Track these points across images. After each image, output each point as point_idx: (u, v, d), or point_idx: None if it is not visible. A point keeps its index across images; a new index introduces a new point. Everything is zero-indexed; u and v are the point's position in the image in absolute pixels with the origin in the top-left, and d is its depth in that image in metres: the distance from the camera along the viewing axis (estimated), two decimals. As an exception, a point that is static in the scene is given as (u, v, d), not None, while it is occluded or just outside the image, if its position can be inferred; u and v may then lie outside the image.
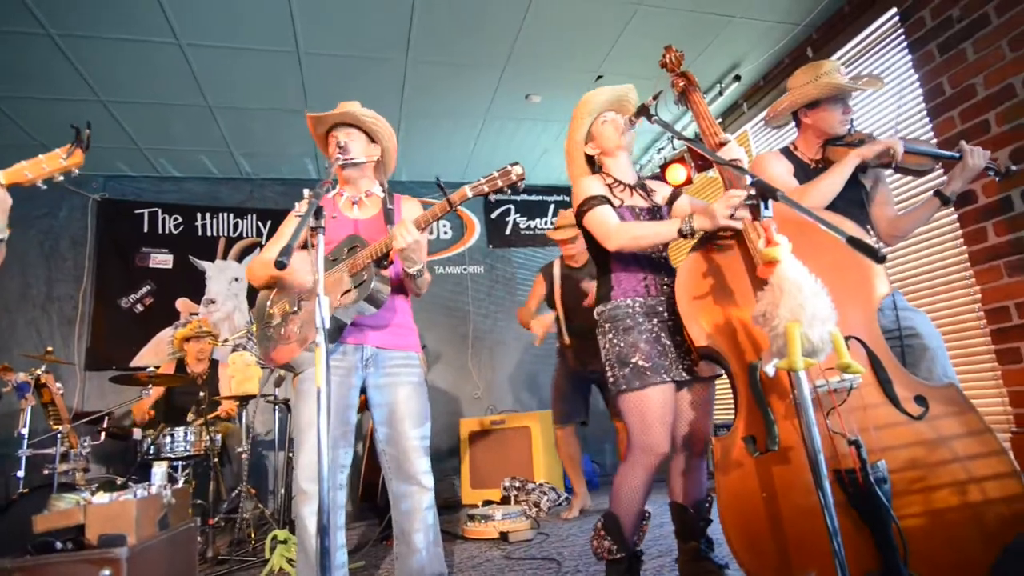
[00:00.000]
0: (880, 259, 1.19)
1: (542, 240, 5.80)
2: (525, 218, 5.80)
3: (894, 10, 3.08)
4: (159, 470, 2.43)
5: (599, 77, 4.03)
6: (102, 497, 1.47)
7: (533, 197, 5.85)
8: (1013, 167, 1.99)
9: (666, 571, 2.21)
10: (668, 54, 2.07)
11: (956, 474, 1.35)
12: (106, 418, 3.56)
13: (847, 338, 1.43)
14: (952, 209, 2.78)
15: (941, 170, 2.08)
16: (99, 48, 3.32)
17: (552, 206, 5.87)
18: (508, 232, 5.75)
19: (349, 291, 1.73)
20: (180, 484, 3.11)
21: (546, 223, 5.83)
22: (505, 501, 3.89)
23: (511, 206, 5.78)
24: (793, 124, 2.20)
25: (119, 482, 3.25)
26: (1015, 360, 2.52)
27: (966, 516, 1.32)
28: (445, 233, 5.63)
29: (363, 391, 1.89)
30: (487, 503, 3.94)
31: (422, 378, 1.94)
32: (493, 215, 5.73)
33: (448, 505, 4.48)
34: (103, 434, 3.48)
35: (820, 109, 2.04)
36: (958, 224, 2.77)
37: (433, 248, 5.48)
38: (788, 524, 1.41)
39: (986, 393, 2.74)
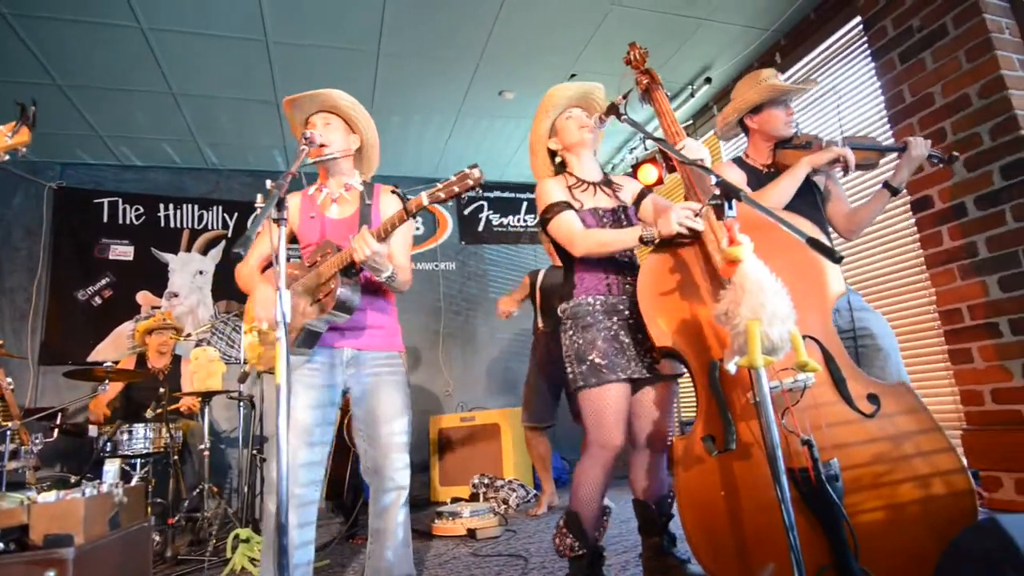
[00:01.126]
0: (838, 260, 1.22)
1: (515, 237, 5.80)
2: (498, 215, 5.79)
3: (858, 19, 3.16)
4: (111, 468, 2.35)
5: (573, 75, 4.05)
6: (48, 496, 1.42)
7: (506, 194, 5.84)
8: (956, 153, 2.08)
9: (631, 567, 2.23)
10: (632, 51, 2.08)
11: (906, 471, 1.39)
12: (60, 414, 3.43)
13: (804, 338, 1.46)
14: (910, 213, 2.87)
15: (896, 160, 2.15)
16: (55, 29, 3.19)
17: (525, 203, 5.87)
18: (481, 229, 5.73)
19: (319, 301, 1.74)
20: (135, 482, 3.02)
21: (519, 220, 5.84)
22: (474, 498, 3.88)
23: (484, 203, 5.76)
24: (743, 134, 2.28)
25: (72, 480, 3.14)
26: (966, 360, 2.62)
27: (915, 512, 1.36)
28: (417, 229, 5.58)
29: (345, 391, 1.90)
30: (456, 500, 3.93)
31: (403, 376, 1.94)
32: (466, 212, 5.70)
33: (417, 503, 4.44)
34: (56, 431, 3.35)
35: (764, 113, 2.14)
36: (915, 228, 2.86)
37: (405, 244, 5.43)
38: (746, 521, 1.44)
39: (939, 392, 2.84)
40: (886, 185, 2.06)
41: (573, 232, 1.82)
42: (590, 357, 1.78)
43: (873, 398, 1.45)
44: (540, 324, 3.80)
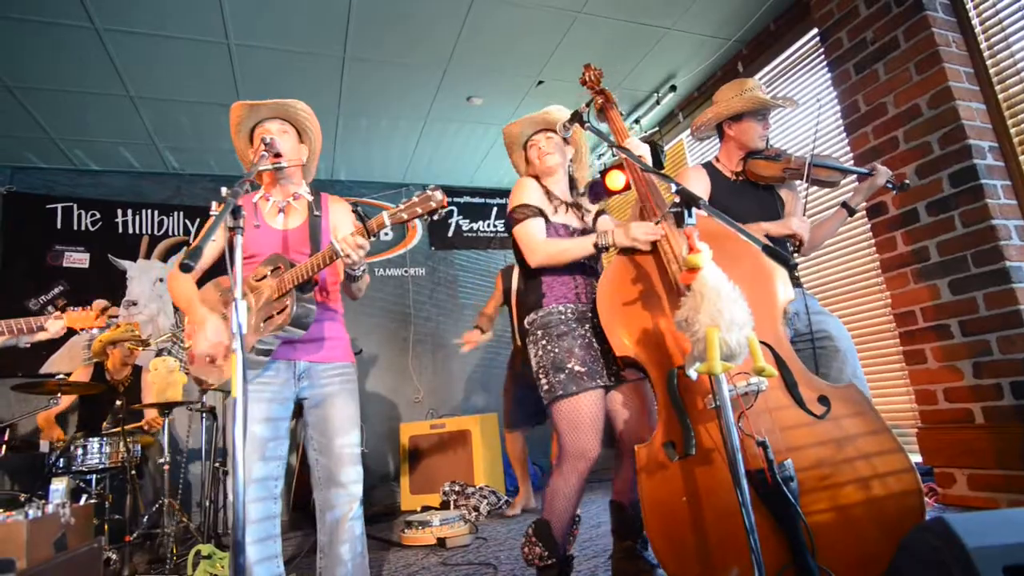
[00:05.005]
0: (792, 267, 1.25)
1: (485, 243, 5.80)
2: (468, 220, 5.77)
3: (815, 30, 3.26)
4: (59, 486, 2.24)
5: (540, 82, 4.07)
6: (-13, 519, 1.35)
7: (476, 200, 5.83)
8: (908, 182, 2.19)
9: (600, 571, 2.23)
10: (587, 72, 2.14)
11: (857, 471, 1.43)
12: (8, 430, 3.28)
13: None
14: (866, 219, 2.97)
15: (856, 182, 2.23)
16: (3, 28, 3.06)
17: (495, 209, 5.87)
18: (450, 234, 5.71)
19: (272, 317, 1.69)
20: (84, 500, 2.90)
21: (488, 225, 5.83)
22: (445, 506, 3.85)
23: (454, 208, 5.74)
24: (716, 137, 2.31)
25: (23, 499, 3.01)
26: (920, 361, 2.71)
27: (868, 510, 1.39)
28: (386, 235, 5.53)
29: (298, 403, 1.86)
30: (426, 509, 3.89)
31: (355, 387, 1.92)
32: (435, 217, 5.66)
33: (387, 512, 4.39)
34: (4, 447, 3.20)
35: (743, 122, 2.16)
36: (871, 233, 2.95)
37: (374, 249, 5.39)
38: (708, 525, 1.45)
39: (895, 391, 2.93)
40: (844, 205, 2.15)
41: (535, 240, 1.85)
42: (569, 365, 1.78)
43: (824, 400, 1.49)
44: (517, 341, 3.67)
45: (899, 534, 1.26)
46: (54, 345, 4.33)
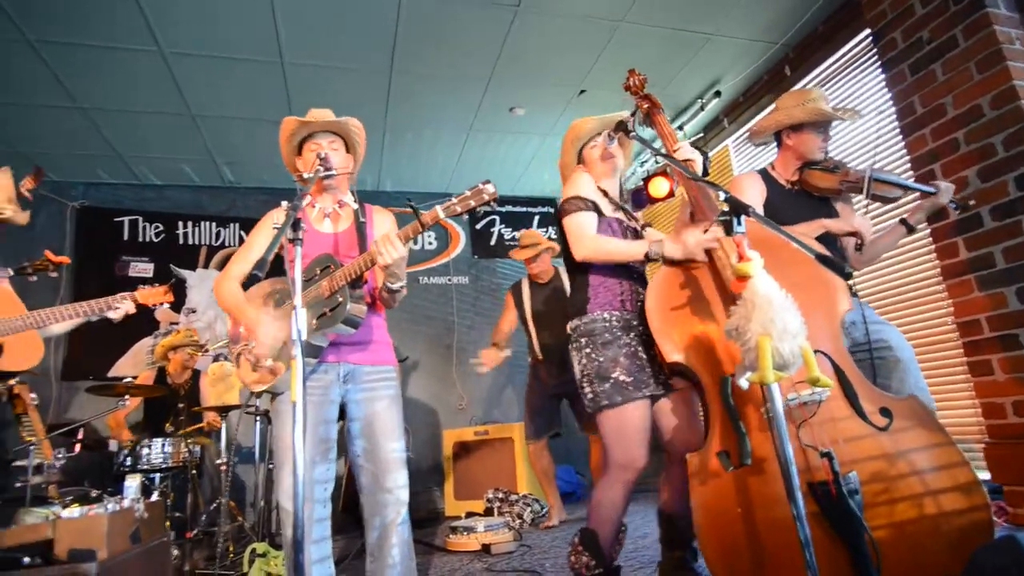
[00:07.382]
0: (846, 276, 1.23)
1: (527, 251, 5.82)
2: (510, 229, 5.82)
3: (867, 31, 3.16)
4: (132, 483, 2.39)
5: (582, 91, 4.09)
6: (72, 511, 1.45)
7: (518, 208, 5.88)
8: (971, 202, 2.10)
9: (646, 583, 2.21)
10: (631, 78, 2.12)
11: (922, 485, 1.38)
12: (81, 430, 3.49)
13: (814, 352, 1.46)
14: (925, 224, 2.85)
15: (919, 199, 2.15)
16: (77, 54, 3.30)
17: (537, 217, 5.90)
18: (493, 243, 5.77)
19: (324, 314, 1.72)
20: (155, 497, 3.06)
21: (531, 234, 5.85)
22: (488, 513, 3.87)
23: (496, 217, 5.81)
24: (774, 143, 2.27)
25: (94, 495, 3.19)
26: (986, 372, 2.58)
27: (931, 526, 1.35)
28: (430, 244, 5.63)
29: (342, 406, 1.89)
30: (470, 515, 3.92)
31: (398, 391, 1.93)
32: (478, 226, 5.75)
33: (431, 517, 4.45)
34: (78, 446, 3.41)
35: (803, 133, 2.13)
36: (931, 239, 2.83)
37: (417, 258, 5.50)
38: (763, 537, 1.43)
39: (960, 404, 2.79)
40: (903, 222, 2.08)
41: (584, 233, 1.83)
42: (613, 375, 1.76)
43: (886, 412, 1.45)
44: (538, 355, 3.70)
45: (965, 550, 1.21)
46: (121, 350, 4.59)
